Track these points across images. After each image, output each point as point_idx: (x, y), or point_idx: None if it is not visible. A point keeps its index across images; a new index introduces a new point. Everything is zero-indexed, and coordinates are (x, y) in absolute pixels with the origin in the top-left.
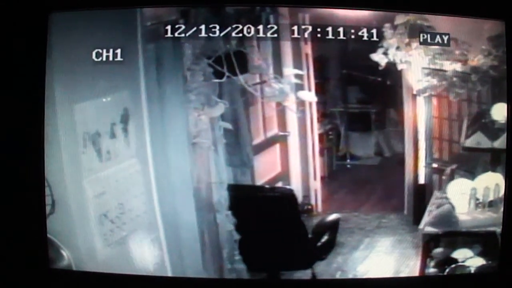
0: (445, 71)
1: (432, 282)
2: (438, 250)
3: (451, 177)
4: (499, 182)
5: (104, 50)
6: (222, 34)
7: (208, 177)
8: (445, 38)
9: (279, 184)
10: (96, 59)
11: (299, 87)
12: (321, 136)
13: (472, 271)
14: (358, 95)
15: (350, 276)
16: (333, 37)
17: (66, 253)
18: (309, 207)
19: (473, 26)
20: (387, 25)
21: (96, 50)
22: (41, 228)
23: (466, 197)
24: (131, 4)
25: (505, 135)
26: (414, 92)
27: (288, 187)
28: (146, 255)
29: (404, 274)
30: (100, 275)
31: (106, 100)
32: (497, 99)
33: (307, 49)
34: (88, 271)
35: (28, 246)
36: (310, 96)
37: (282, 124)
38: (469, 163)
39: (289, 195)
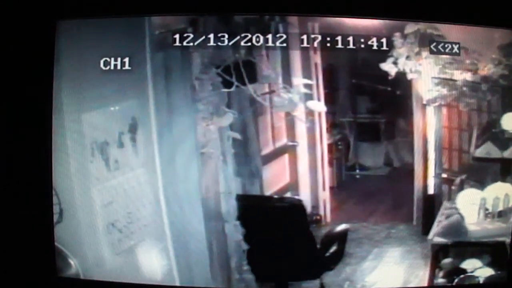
0: (455, 80)
1: None
2: (447, 260)
3: (461, 187)
4: (509, 192)
5: (112, 59)
6: (231, 43)
7: (217, 187)
8: (456, 47)
9: (288, 194)
10: (104, 68)
11: (308, 97)
12: (330, 146)
13: (481, 282)
14: (368, 105)
15: (359, 286)
16: (342, 47)
17: (73, 262)
18: (318, 217)
19: (483, 35)
20: (397, 34)
21: (104, 59)
22: (48, 236)
23: (476, 208)
24: (139, 13)
25: None
26: (424, 102)
27: (296, 197)
28: (154, 265)
29: (413, 284)
30: (108, 284)
31: (114, 109)
32: (507, 108)
33: (317, 58)
34: (96, 280)
35: (36, 255)
36: (319, 106)
37: (291, 134)
38: (479, 173)
39: (298, 205)
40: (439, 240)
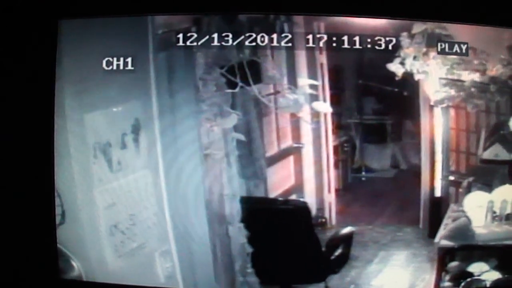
0: (463, 81)
1: None
2: (454, 263)
3: (468, 190)
4: None
5: (115, 59)
6: (235, 43)
7: (221, 189)
8: (464, 47)
9: (293, 197)
10: (106, 68)
11: (313, 98)
12: (336, 148)
13: (488, 285)
14: (374, 106)
15: None
16: (348, 46)
17: (76, 264)
18: (323, 220)
19: (492, 35)
20: (404, 34)
21: (106, 59)
22: (51, 238)
23: (483, 210)
24: (142, 12)
25: None
26: (431, 103)
27: (302, 199)
28: (157, 267)
29: None
30: (110, 286)
31: (117, 110)
32: None
33: (322, 58)
34: (99, 282)
35: (38, 256)
36: (325, 107)
37: (296, 135)
38: (487, 176)
39: (303, 208)
40: (446, 243)
